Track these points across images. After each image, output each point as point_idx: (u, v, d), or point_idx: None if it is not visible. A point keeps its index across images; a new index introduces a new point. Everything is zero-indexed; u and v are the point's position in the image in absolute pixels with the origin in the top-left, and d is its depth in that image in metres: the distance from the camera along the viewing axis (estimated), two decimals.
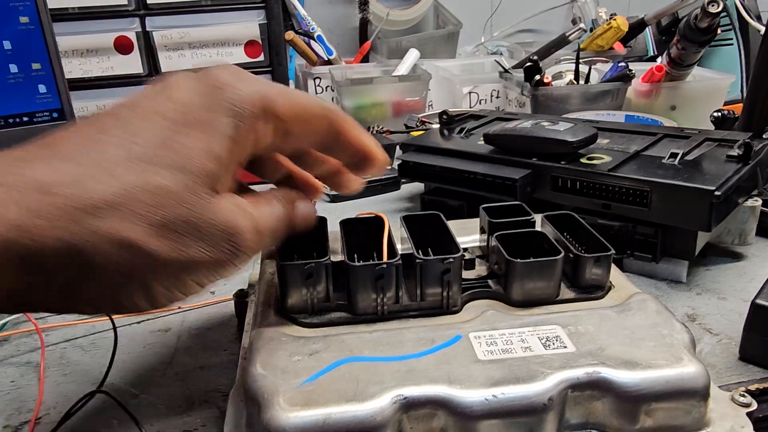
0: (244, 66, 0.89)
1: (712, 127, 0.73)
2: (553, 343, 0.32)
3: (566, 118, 0.64)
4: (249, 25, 0.87)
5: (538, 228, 0.41)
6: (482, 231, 0.42)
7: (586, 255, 0.37)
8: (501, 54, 1.09)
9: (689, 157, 0.50)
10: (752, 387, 0.37)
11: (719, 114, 0.71)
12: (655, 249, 0.48)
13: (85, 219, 0.22)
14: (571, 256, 0.37)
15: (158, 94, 0.25)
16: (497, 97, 0.91)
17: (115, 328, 0.41)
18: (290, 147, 0.30)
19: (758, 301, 0.37)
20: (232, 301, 0.46)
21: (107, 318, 0.44)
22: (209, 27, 0.86)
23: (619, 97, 0.78)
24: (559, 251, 0.36)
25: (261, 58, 0.89)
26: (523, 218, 0.40)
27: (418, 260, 0.35)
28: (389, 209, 0.68)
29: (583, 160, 0.52)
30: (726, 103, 0.82)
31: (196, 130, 0.25)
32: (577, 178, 0.51)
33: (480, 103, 0.92)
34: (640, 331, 0.33)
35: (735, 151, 0.48)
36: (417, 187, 0.71)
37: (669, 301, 0.46)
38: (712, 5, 0.65)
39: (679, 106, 0.79)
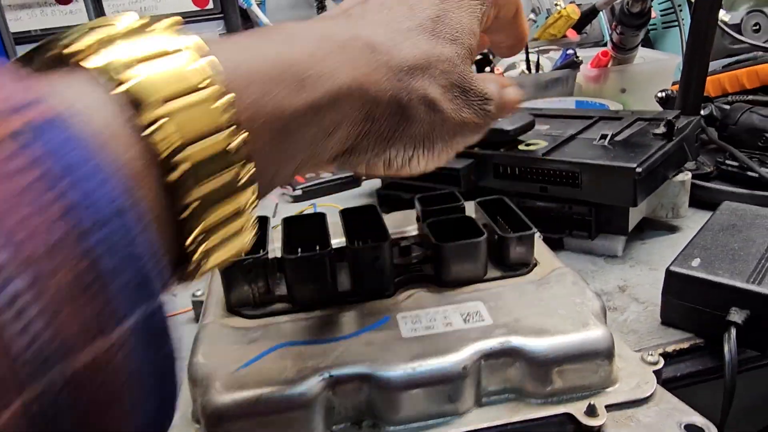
0: None
1: (660, 108, 0.76)
2: (473, 318, 0.34)
3: None
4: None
5: (471, 214, 0.43)
6: (418, 219, 0.45)
7: (508, 235, 0.39)
8: None
9: (619, 138, 0.52)
10: (669, 348, 0.39)
11: (663, 94, 0.74)
12: (590, 227, 0.51)
13: (405, 77, 0.26)
14: (496, 237, 0.40)
15: None
16: None
17: None
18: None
19: (672, 267, 0.40)
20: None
21: None
22: None
23: (569, 83, 0.80)
24: (483, 233, 0.39)
25: None
26: (453, 205, 0.43)
27: (348, 249, 0.37)
28: (348, 205, 0.70)
29: (521, 147, 0.54)
30: (675, 83, 0.85)
31: (461, 11, 0.29)
32: (516, 164, 0.53)
33: None
34: (555, 302, 0.35)
35: (660, 129, 0.51)
36: (376, 182, 0.73)
37: (603, 275, 0.48)
38: None
39: (629, 88, 0.82)
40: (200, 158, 0.19)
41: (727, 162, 0.60)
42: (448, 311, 0.35)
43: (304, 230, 0.41)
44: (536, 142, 0.54)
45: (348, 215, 0.42)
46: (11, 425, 0.13)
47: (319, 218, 0.41)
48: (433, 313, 0.35)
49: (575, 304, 0.35)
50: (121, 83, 0.18)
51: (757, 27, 1.03)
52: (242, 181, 0.20)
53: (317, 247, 0.39)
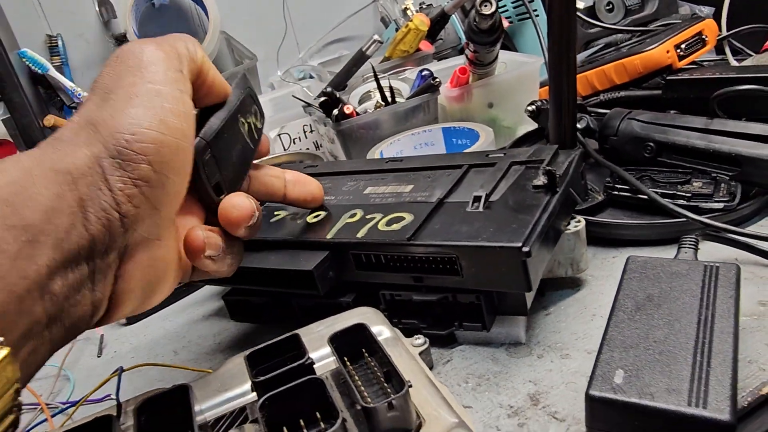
0: None
1: (533, 121, 0.68)
2: None
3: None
4: None
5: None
6: (252, 387, 0.32)
7: (374, 405, 0.28)
8: (311, 77, 1.00)
9: (495, 197, 0.43)
10: None
11: (534, 107, 0.66)
12: (483, 317, 0.41)
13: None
14: (359, 407, 0.29)
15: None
16: (311, 131, 0.82)
17: None
18: None
19: (592, 392, 0.30)
20: None
21: None
22: None
23: (431, 109, 0.71)
24: (337, 413, 0.27)
25: None
26: (297, 364, 0.31)
27: None
28: (192, 318, 0.57)
29: (381, 226, 0.43)
30: (542, 84, 0.78)
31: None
32: (379, 252, 0.42)
33: (294, 143, 0.82)
34: None
35: (540, 181, 0.42)
36: (217, 288, 0.61)
37: (508, 378, 0.39)
38: (485, 5, 0.59)
39: (495, 101, 0.74)
40: None
41: (617, 186, 0.53)
42: None
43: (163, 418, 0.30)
44: (401, 216, 0.44)
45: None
46: None
47: (180, 394, 0.30)
48: None
49: None
50: None
51: (610, 6, 0.99)
52: None
53: None
